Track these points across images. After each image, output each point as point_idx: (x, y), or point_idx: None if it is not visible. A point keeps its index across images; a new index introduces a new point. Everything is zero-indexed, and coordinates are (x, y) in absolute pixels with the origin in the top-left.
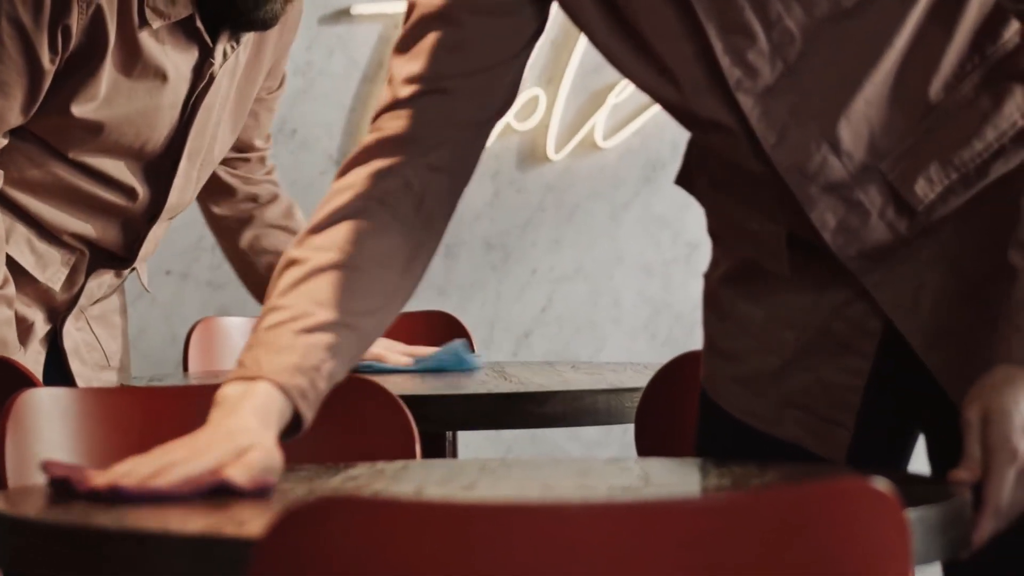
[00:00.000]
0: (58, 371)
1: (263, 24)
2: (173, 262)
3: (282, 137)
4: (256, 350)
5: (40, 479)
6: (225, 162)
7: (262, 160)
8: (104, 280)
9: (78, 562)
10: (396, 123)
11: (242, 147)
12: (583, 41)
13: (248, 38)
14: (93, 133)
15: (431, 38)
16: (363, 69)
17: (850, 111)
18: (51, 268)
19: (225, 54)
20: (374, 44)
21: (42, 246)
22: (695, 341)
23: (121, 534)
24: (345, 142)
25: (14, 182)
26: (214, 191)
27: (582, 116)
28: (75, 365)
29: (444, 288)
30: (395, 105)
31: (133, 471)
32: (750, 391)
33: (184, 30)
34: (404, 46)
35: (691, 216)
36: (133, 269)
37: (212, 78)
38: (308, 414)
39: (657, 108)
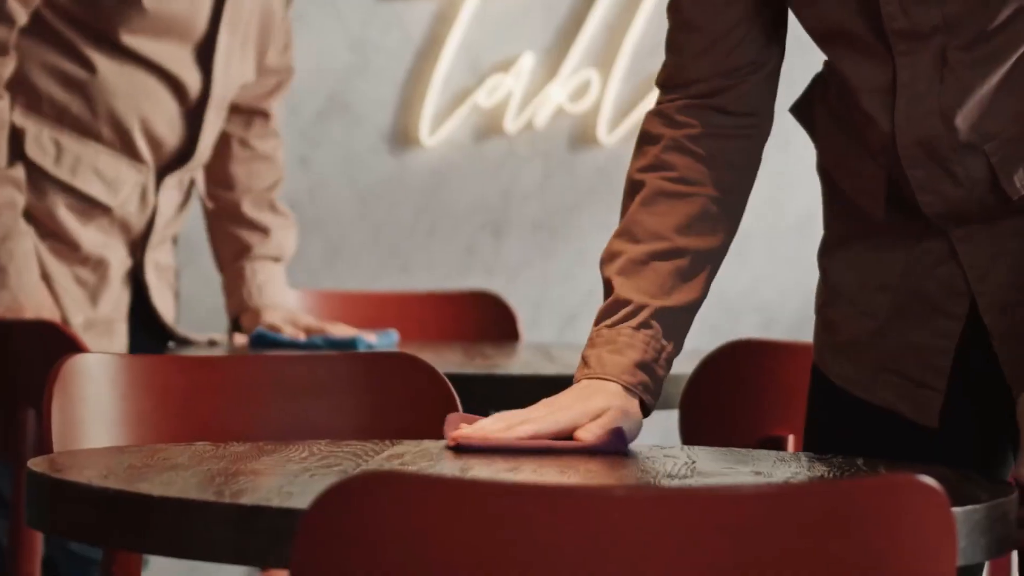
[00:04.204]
0: (143, 307)
1: None
2: None
3: (336, 111)
4: (600, 349)
5: (82, 444)
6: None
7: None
8: (172, 199)
9: (122, 529)
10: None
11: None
12: (638, 24)
13: None
14: (135, 9)
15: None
16: (417, 45)
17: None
18: (123, 191)
19: None
20: (429, 21)
21: (110, 171)
22: (741, 329)
23: (166, 502)
24: (398, 118)
25: (70, 85)
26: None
27: (634, 99)
28: (157, 301)
29: (491, 268)
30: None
31: (487, 425)
32: (848, 357)
33: None
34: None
35: None
36: (192, 182)
37: None
38: (652, 402)
39: None
